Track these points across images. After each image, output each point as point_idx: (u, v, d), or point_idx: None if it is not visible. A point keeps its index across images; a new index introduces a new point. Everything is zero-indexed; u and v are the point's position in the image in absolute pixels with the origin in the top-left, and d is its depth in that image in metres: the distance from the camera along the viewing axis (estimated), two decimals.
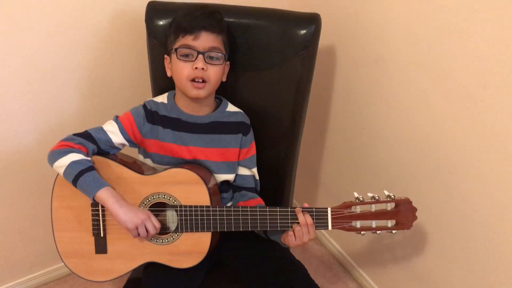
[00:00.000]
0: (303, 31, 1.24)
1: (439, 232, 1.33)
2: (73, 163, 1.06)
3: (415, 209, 1.10)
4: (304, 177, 1.92)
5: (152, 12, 1.27)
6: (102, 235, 1.13)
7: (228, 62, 1.22)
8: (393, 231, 1.11)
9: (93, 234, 1.13)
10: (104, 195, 1.05)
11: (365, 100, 1.49)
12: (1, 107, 1.36)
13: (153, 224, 1.08)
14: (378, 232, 1.11)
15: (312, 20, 1.25)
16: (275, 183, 1.41)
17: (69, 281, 1.77)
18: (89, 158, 1.09)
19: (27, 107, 1.40)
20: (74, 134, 1.13)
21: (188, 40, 1.11)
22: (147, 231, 1.07)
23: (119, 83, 1.54)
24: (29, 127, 1.44)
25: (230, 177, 1.25)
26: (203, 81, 1.13)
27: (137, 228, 1.06)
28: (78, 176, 1.04)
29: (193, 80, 1.12)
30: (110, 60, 1.48)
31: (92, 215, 1.12)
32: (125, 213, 1.05)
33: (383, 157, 1.48)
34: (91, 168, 1.07)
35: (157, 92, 1.34)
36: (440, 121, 1.22)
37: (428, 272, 1.41)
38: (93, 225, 1.13)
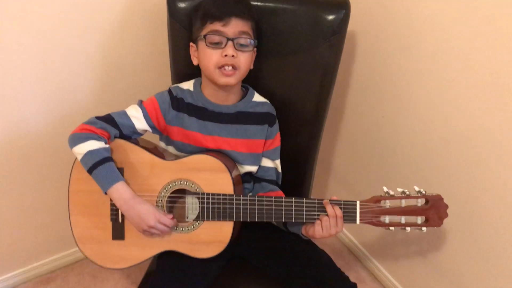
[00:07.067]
0: (332, 16, 1.19)
1: (461, 225, 1.28)
2: (89, 153, 1.03)
3: (446, 206, 1.06)
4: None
5: None
6: (120, 221, 1.09)
7: (255, 49, 1.17)
8: (423, 229, 1.06)
9: (111, 220, 1.09)
10: (114, 194, 1.03)
11: (386, 88, 1.43)
12: (11, 89, 1.30)
13: (163, 226, 1.05)
14: (407, 229, 1.07)
15: (342, 5, 1.20)
16: (295, 174, 1.37)
17: (76, 269, 1.73)
18: (107, 146, 1.06)
19: (38, 89, 1.35)
20: (97, 117, 1.09)
21: (217, 26, 1.06)
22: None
23: (135, 67, 1.49)
24: (39, 111, 1.38)
25: (254, 168, 1.22)
26: (233, 68, 1.08)
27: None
28: (92, 168, 1.02)
29: (222, 67, 1.08)
30: (127, 43, 1.43)
31: (111, 199, 1.08)
32: (132, 218, 1.05)
33: (402, 148, 1.43)
34: (106, 159, 1.03)
35: (177, 78, 1.30)
36: (468, 112, 1.17)
37: (446, 263, 1.38)
38: (111, 210, 1.09)
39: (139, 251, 1.10)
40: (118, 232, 1.10)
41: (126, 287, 1.65)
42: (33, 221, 1.58)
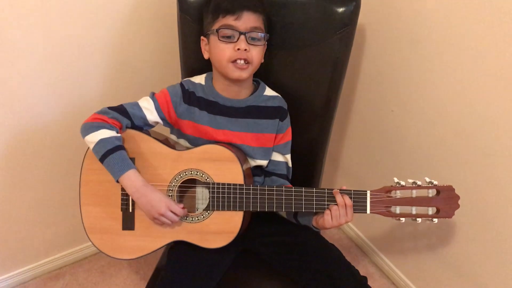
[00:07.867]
0: (342, 9, 1.19)
1: (470, 218, 1.27)
2: (101, 141, 1.03)
3: (457, 197, 1.05)
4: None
5: None
6: (130, 211, 1.09)
7: (266, 42, 1.17)
8: (434, 220, 1.05)
9: (121, 209, 1.10)
10: (126, 181, 1.03)
11: (396, 82, 1.43)
12: (22, 85, 1.31)
13: (173, 215, 1.05)
14: (418, 220, 1.06)
15: None
16: (304, 168, 1.36)
17: (85, 265, 1.73)
18: (119, 135, 1.07)
19: (48, 86, 1.35)
20: (109, 108, 1.10)
21: (229, 20, 1.07)
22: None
23: (145, 62, 1.50)
24: (49, 107, 1.39)
25: (264, 162, 1.21)
26: (246, 63, 1.08)
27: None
28: (104, 156, 1.03)
29: (234, 62, 1.08)
30: (137, 38, 1.44)
31: (122, 189, 1.08)
32: (143, 206, 1.05)
33: (412, 142, 1.43)
34: (118, 148, 1.04)
35: (187, 72, 1.30)
36: (477, 105, 1.17)
37: (456, 257, 1.37)
38: (122, 199, 1.09)
39: (149, 241, 1.10)
40: (128, 222, 1.10)
41: (135, 282, 1.65)
42: (42, 217, 1.58)
